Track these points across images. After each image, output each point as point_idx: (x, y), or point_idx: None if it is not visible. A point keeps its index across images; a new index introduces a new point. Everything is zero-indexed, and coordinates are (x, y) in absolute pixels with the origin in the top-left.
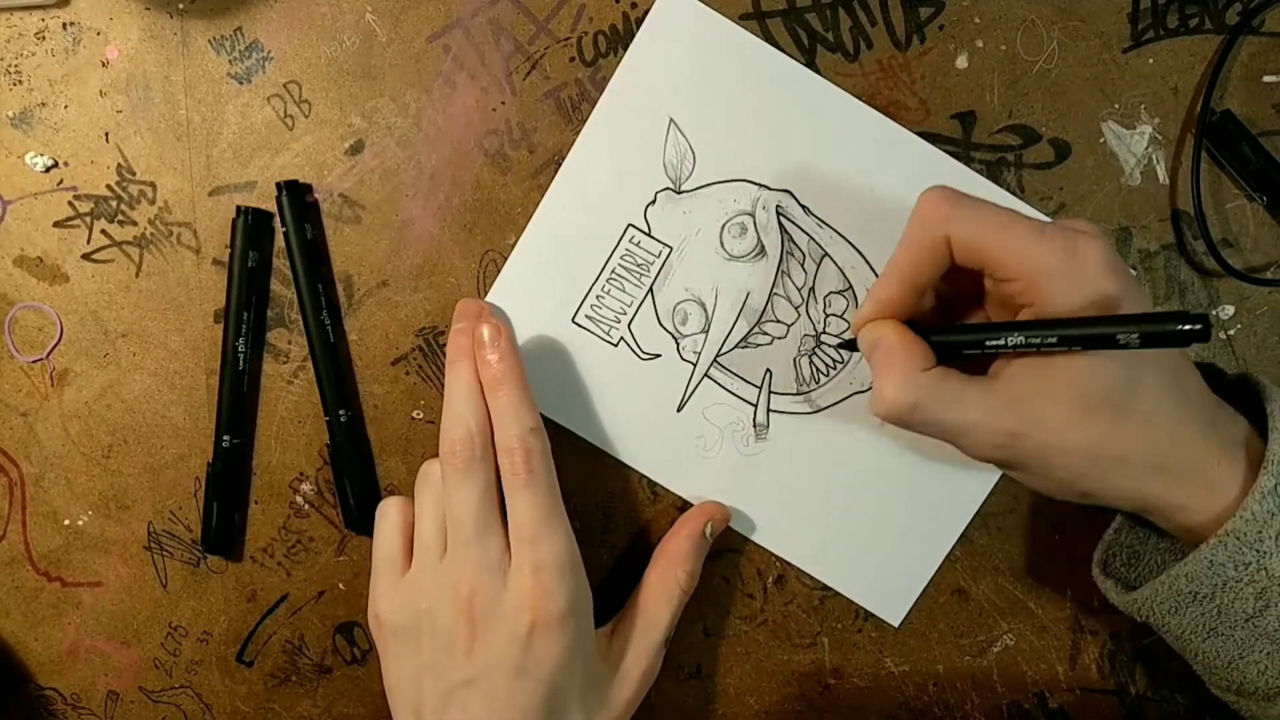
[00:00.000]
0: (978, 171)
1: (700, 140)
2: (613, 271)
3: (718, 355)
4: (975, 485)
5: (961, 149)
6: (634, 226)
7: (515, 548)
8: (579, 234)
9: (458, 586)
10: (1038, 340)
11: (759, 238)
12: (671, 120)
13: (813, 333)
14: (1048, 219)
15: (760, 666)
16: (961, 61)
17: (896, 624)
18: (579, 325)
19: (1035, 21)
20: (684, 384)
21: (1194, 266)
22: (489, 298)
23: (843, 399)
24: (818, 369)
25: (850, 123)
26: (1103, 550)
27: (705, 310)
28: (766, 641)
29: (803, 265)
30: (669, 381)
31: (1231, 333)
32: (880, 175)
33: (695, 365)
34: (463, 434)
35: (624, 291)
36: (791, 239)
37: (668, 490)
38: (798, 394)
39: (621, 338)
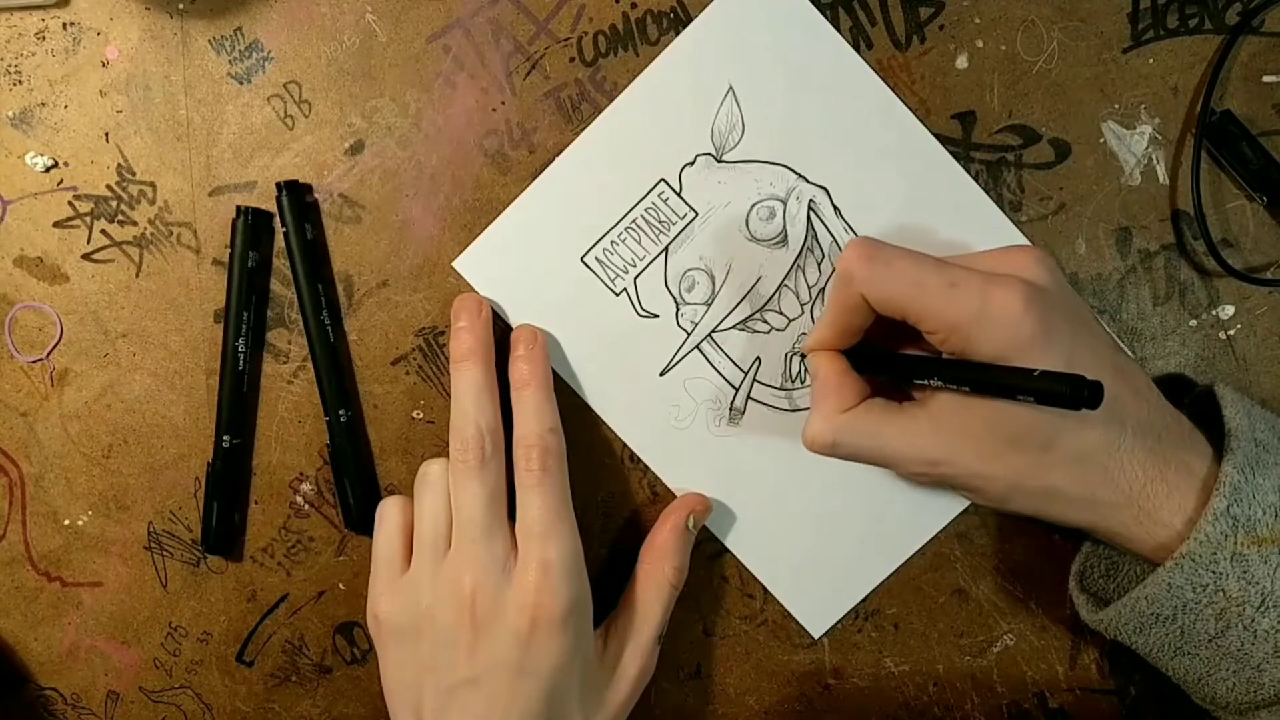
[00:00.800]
0: (978, 172)
1: (754, 115)
2: (633, 220)
3: (714, 330)
4: (929, 519)
5: (961, 149)
6: (666, 182)
7: (522, 545)
8: (607, 177)
9: (460, 584)
10: (953, 386)
11: (784, 226)
12: (731, 88)
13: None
14: (999, 244)
15: (760, 666)
16: (961, 61)
17: (815, 636)
18: (586, 265)
19: (1035, 21)
20: (673, 350)
21: (1194, 266)
22: (501, 218)
23: None
24: (805, 371)
25: (906, 141)
26: (1079, 563)
27: (713, 283)
28: (766, 641)
29: (819, 264)
30: (660, 344)
31: (1231, 333)
32: (919, 200)
33: (689, 335)
34: (474, 432)
35: (639, 244)
36: (815, 236)
37: (669, 491)
38: (780, 389)
39: (625, 289)
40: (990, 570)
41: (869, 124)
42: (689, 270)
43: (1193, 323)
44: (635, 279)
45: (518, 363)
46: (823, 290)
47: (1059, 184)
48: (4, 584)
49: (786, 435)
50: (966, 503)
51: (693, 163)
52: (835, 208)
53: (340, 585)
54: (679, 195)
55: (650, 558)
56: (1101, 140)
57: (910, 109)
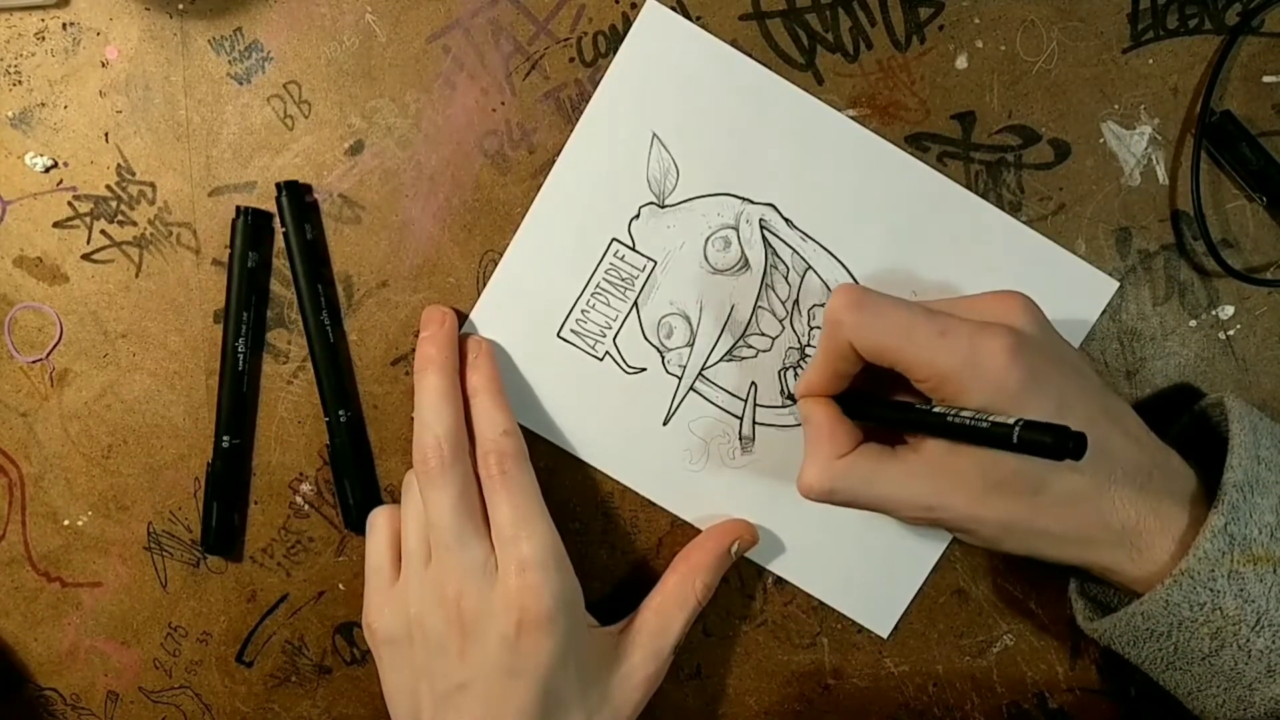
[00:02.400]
0: (977, 172)
1: (683, 154)
2: (598, 286)
3: (703, 369)
4: None
5: (961, 149)
6: (618, 241)
7: (499, 549)
8: (563, 249)
9: (444, 591)
10: (940, 433)
11: (743, 251)
12: (654, 134)
13: (797, 345)
14: (973, 293)
15: (760, 666)
16: (961, 62)
17: (885, 635)
18: (564, 340)
19: (1035, 22)
20: (670, 398)
21: (1194, 267)
22: (473, 314)
23: None
24: None
25: (831, 135)
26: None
27: (690, 323)
28: (766, 641)
29: (786, 278)
30: (655, 395)
31: (1231, 333)
32: (863, 187)
33: (680, 379)
34: (430, 440)
35: (609, 306)
36: (775, 252)
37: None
38: (783, 406)
39: (607, 352)
40: (990, 570)
41: (796, 130)
42: (664, 318)
43: (1192, 323)
44: (614, 340)
45: (468, 372)
46: (796, 302)
47: (1059, 184)
48: (4, 584)
49: (800, 449)
50: None
51: (638, 215)
52: (786, 220)
53: (340, 585)
54: (634, 250)
55: (683, 569)
56: (1101, 140)
57: (908, 108)
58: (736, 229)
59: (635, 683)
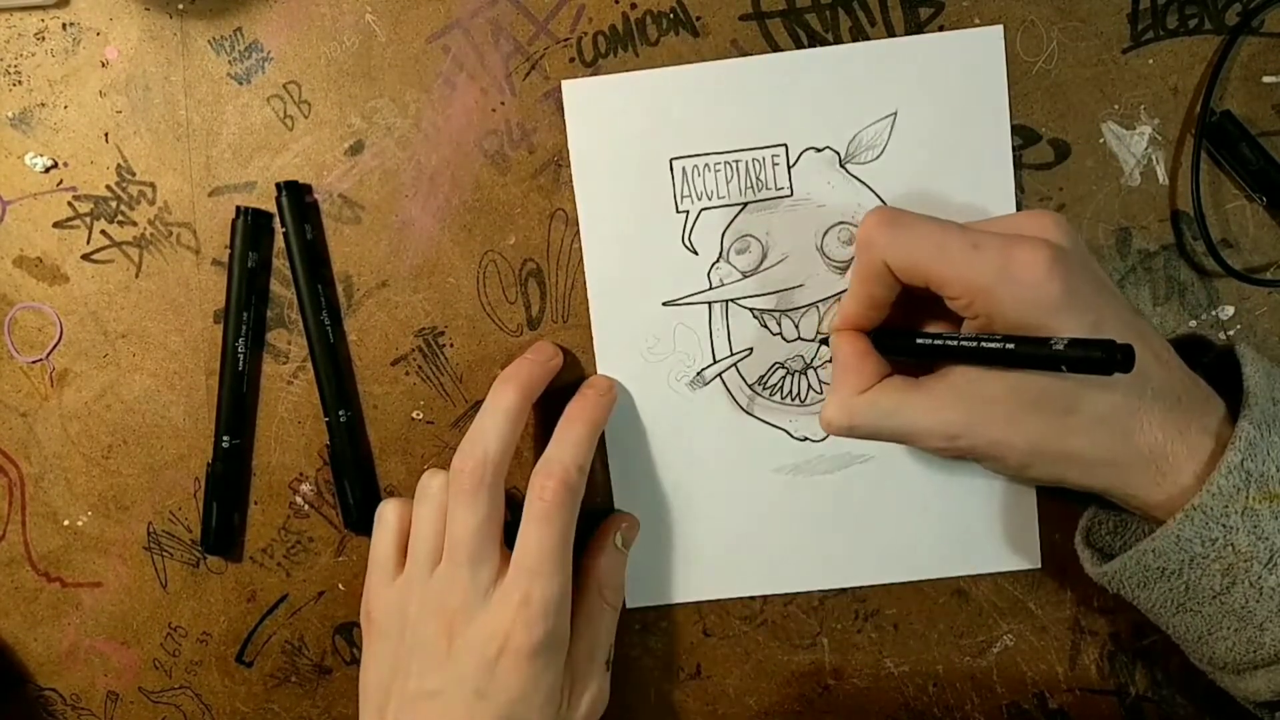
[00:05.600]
0: None
1: (896, 146)
2: (736, 161)
3: (733, 300)
4: None
5: None
6: (786, 148)
7: (512, 572)
8: (743, 108)
9: (445, 601)
10: (975, 359)
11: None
12: (895, 113)
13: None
14: (1017, 209)
15: (760, 667)
16: None
17: (1039, 565)
18: (670, 168)
19: (1035, 21)
20: (689, 290)
21: (1194, 267)
22: (619, 77)
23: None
24: (784, 381)
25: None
26: (1087, 519)
27: (762, 260)
28: (766, 642)
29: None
30: (679, 277)
31: (1231, 333)
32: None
33: (710, 288)
34: (479, 456)
35: (727, 183)
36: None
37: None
38: (749, 387)
39: (687, 210)
40: (990, 570)
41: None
42: (748, 235)
43: (1192, 323)
44: (700, 209)
45: (580, 399)
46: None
47: (1059, 184)
48: (4, 584)
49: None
50: None
51: (820, 150)
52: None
53: (340, 586)
54: (789, 168)
55: (585, 583)
56: (1101, 140)
57: None
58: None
59: (579, 709)
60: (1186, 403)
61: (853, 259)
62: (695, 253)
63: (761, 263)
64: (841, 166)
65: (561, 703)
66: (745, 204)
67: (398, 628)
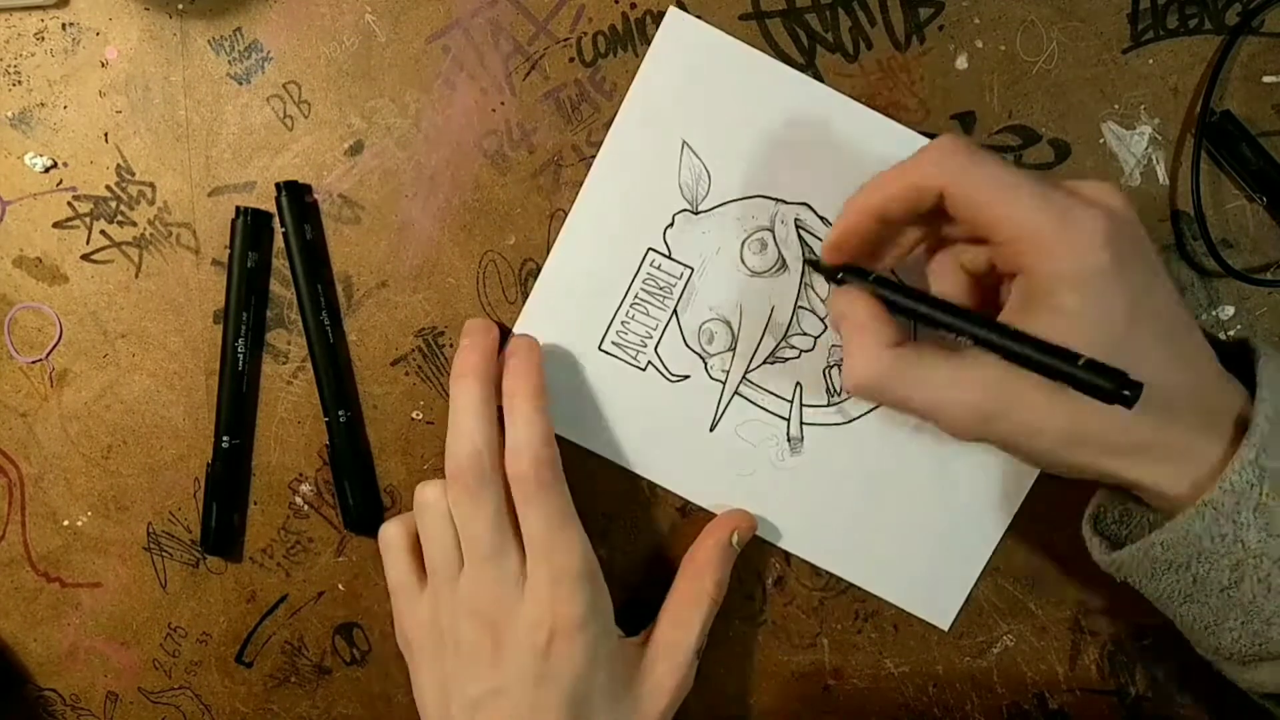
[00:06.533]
0: None
1: (714, 159)
2: (636, 296)
3: (746, 372)
4: (1016, 482)
5: None
6: (654, 250)
7: (531, 559)
8: (600, 262)
9: (477, 601)
10: (992, 344)
11: (780, 252)
12: (684, 142)
13: (840, 343)
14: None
15: (760, 667)
16: (961, 62)
17: (946, 627)
18: (606, 352)
19: (1035, 22)
20: (715, 404)
21: (1194, 267)
22: (516, 329)
23: (875, 407)
24: None
25: (859, 129)
26: (1094, 505)
27: (731, 328)
28: (766, 642)
29: None
30: (700, 402)
31: (1231, 333)
32: None
33: (724, 384)
34: (470, 451)
35: (648, 315)
36: (813, 251)
37: (667, 490)
38: (829, 405)
39: (649, 361)
40: (990, 570)
41: (821, 127)
42: (704, 324)
43: None
44: (655, 349)
45: (508, 376)
46: None
47: None
48: (4, 584)
49: (850, 446)
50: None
51: (672, 224)
52: (821, 218)
53: (340, 586)
54: (670, 258)
55: (690, 571)
56: (1101, 141)
57: (908, 109)
58: (772, 230)
59: (662, 693)
60: (1214, 395)
61: (775, 262)
62: (687, 376)
63: (733, 329)
64: (698, 214)
65: (628, 672)
66: (674, 311)
67: (436, 642)
